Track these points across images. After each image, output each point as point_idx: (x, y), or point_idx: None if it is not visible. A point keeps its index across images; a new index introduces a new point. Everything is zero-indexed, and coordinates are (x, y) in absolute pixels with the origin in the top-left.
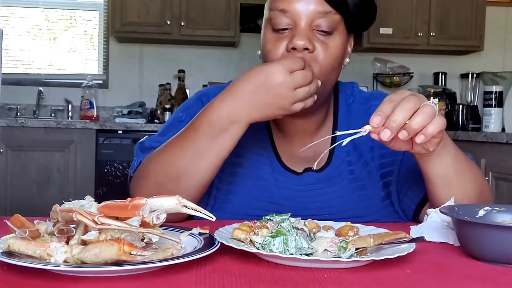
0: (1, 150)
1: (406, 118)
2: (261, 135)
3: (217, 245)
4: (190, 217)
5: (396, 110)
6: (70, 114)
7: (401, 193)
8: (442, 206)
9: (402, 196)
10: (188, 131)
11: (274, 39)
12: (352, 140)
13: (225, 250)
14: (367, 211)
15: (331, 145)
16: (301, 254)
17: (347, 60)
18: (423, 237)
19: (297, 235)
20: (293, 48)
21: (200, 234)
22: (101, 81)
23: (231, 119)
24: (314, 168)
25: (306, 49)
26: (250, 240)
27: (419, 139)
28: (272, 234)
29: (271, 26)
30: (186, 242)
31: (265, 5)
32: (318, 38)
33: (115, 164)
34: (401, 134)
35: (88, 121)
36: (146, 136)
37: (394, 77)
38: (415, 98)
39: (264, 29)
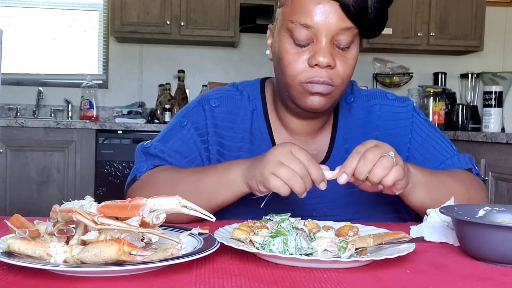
0: (1, 150)
1: (369, 170)
2: (262, 134)
3: (217, 245)
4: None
5: (359, 163)
6: (70, 114)
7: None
8: (441, 206)
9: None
10: (205, 175)
11: (294, 51)
12: (353, 139)
13: (225, 250)
14: (366, 207)
15: (329, 145)
16: (301, 254)
17: None
18: (423, 237)
19: (297, 235)
20: (316, 65)
21: (200, 234)
22: (101, 81)
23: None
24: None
25: (329, 65)
26: (250, 240)
27: (380, 187)
28: (272, 234)
29: (292, 38)
30: (186, 242)
31: (278, 10)
32: (337, 53)
33: (115, 164)
34: (364, 185)
35: (88, 121)
36: (148, 140)
37: (394, 77)
38: (376, 150)
39: (282, 37)
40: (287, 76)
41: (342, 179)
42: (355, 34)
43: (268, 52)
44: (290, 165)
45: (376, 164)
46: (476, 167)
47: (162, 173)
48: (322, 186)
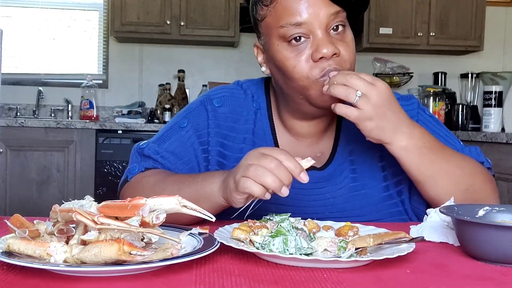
0: (1, 150)
1: (337, 82)
2: (265, 135)
3: (217, 245)
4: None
5: (341, 73)
6: (70, 114)
7: (411, 199)
8: (441, 206)
9: (411, 201)
10: (188, 185)
11: (294, 54)
12: (357, 140)
13: (225, 250)
14: (368, 210)
15: (333, 147)
16: (300, 254)
17: None
18: (423, 237)
19: (296, 235)
20: (322, 57)
21: (200, 234)
22: (101, 81)
23: (209, 196)
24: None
25: (335, 54)
26: (250, 240)
27: (324, 88)
28: (272, 234)
29: (287, 43)
30: (186, 242)
31: (262, 24)
32: (336, 39)
33: (115, 164)
34: (324, 87)
35: (88, 121)
36: (145, 141)
37: (394, 77)
38: (359, 81)
39: (276, 47)
40: (297, 79)
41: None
42: (344, 16)
43: (263, 68)
44: (259, 163)
45: (345, 86)
46: (488, 160)
47: (149, 179)
48: (304, 177)
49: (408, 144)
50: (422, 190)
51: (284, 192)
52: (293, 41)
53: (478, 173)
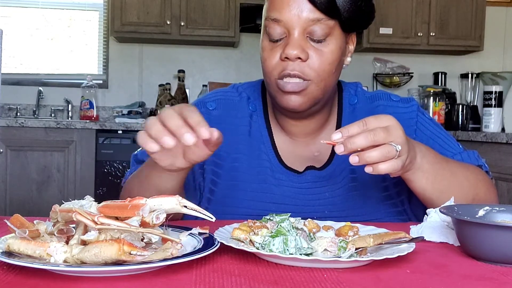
0: (1, 150)
1: (364, 147)
2: (262, 136)
3: (217, 245)
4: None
5: (360, 135)
6: (70, 114)
7: (411, 203)
8: (441, 206)
9: (411, 205)
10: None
11: (269, 48)
12: None
13: (225, 250)
14: (368, 210)
15: (332, 147)
16: (301, 254)
17: (349, 59)
18: (423, 237)
19: (297, 235)
20: (287, 58)
21: (200, 234)
22: (101, 81)
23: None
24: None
25: (299, 58)
26: (250, 240)
27: (367, 170)
28: (272, 234)
29: (267, 35)
30: (186, 242)
31: (263, 11)
32: (311, 45)
33: (115, 164)
34: (352, 158)
35: (88, 121)
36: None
37: (394, 77)
38: (384, 134)
39: (262, 36)
40: (265, 73)
41: (336, 136)
42: (331, 26)
43: None
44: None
45: (377, 147)
46: (486, 165)
47: (131, 180)
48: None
49: (422, 163)
50: (433, 206)
51: (190, 140)
52: (270, 36)
53: (481, 181)
